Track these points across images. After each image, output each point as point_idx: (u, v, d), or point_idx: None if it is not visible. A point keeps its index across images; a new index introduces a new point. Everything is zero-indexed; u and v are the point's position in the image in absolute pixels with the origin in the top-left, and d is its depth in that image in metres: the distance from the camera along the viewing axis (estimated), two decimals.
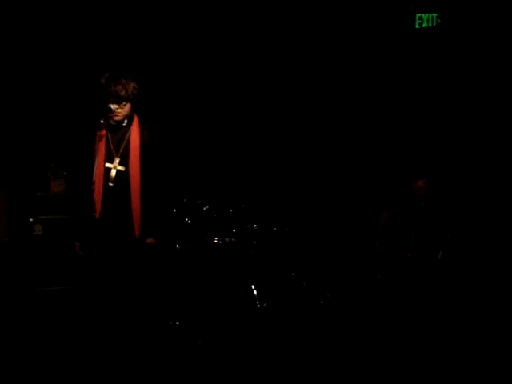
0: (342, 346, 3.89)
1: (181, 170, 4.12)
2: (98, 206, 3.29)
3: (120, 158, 3.33)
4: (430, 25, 5.07)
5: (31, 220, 4.91)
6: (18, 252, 5.02)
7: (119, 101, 3.25)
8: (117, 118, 3.32)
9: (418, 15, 5.08)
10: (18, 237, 5.11)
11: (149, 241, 3.36)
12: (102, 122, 3.27)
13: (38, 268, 4.86)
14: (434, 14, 5.06)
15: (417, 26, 5.09)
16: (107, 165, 3.32)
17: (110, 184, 3.29)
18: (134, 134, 3.36)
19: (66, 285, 4.78)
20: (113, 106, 3.24)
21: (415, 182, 4.55)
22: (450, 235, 4.41)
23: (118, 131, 3.38)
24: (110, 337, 3.35)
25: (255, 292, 4.17)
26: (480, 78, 5.11)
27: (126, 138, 3.37)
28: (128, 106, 3.33)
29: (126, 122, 3.37)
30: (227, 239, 4.43)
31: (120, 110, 3.29)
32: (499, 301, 4.34)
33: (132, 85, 3.30)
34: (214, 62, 5.43)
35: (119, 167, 3.32)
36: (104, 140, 3.35)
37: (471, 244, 4.60)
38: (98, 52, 5.09)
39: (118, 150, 3.35)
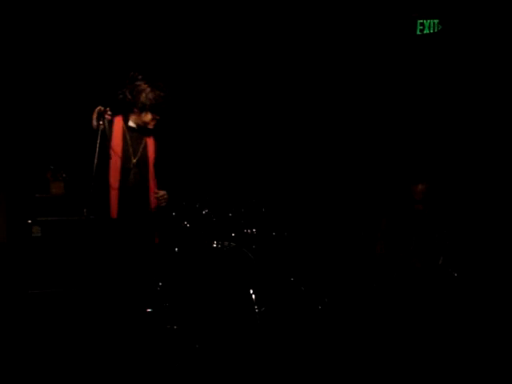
0: (339, 351, 3.88)
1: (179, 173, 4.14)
2: (115, 206, 3.29)
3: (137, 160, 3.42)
4: (431, 31, 5.09)
5: (30, 221, 4.90)
6: (17, 254, 4.99)
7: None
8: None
9: (420, 21, 5.10)
10: (16, 238, 5.09)
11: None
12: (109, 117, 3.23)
13: (37, 270, 4.83)
14: (436, 20, 5.07)
15: (418, 32, 5.11)
16: (125, 165, 3.34)
17: (129, 184, 3.33)
18: (150, 141, 3.49)
19: (64, 287, 4.76)
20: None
21: (414, 185, 4.56)
22: (449, 241, 4.42)
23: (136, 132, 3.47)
24: (107, 340, 3.35)
25: (253, 296, 4.17)
26: (480, 84, 5.12)
27: (143, 141, 3.48)
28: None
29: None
30: (226, 243, 4.42)
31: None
32: (500, 305, 4.34)
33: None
34: (212, 70, 5.45)
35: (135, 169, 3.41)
36: (122, 140, 3.39)
37: (471, 249, 4.60)
38: (98, 54, 5.11)
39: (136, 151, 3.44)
